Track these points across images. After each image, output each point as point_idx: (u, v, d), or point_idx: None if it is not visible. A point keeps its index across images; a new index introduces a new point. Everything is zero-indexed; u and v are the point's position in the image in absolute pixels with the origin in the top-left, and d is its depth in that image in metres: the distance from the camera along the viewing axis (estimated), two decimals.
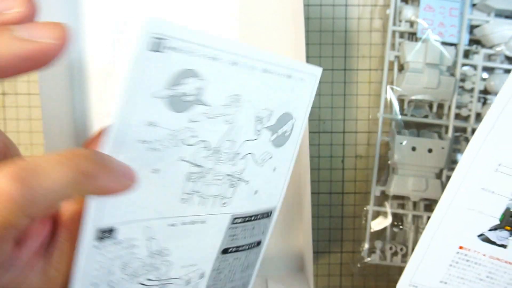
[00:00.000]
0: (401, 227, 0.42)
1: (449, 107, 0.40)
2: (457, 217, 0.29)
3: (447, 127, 0.40)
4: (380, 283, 0.44)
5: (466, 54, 0.40)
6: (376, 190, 0.41)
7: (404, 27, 0.40)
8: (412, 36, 0.41)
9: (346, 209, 0.44)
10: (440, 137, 0.40)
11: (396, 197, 0.41)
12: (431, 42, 0.39)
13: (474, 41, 0.40)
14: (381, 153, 0.41)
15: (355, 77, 0.43)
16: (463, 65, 0.40)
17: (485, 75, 0.40)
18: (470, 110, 0.40)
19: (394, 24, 0.40)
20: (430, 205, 0.41)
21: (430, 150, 0.39)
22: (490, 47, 0.40)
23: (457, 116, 0.40)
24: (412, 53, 0.39)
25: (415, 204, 0.41)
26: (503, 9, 0.39)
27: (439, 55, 0.39)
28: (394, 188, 0.39)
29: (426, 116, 0.41)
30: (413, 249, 0.41)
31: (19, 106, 0.43)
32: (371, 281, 0.44)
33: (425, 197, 0.40)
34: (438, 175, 0.40)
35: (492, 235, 0.29)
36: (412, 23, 0.40)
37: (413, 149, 0.39)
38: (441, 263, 0.31)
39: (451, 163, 0.40)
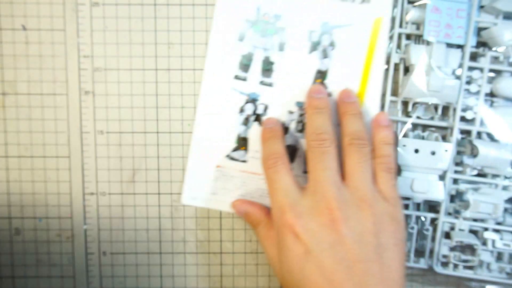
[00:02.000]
0: None
1: (454, 110, 0.40)
2: (208, 145, 0.42)
3: (451, 129, 0.40)
4: None
5: (473, 57, 0.40)
6: None
7: (410, 29, 0.40)
8: (419, 38, 0.40)
9: None
10: (445, 139, 0.40)
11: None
12: (436, 44, 0.39)
13: (481, 43, 0.40)
14: None
15: None
16: (470, 67, 0.39)
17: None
18: (475, 113, 0.40)
19: (401, 26, 0.40)
20: (434, 206, 0.41)
21: (433, 153, 0.39)
22: (497, 50, 0.39)
23: (462, 118, 0.40)
24: (417, 55, 0.39)
25: (418, 205, 0.41)
26: (511, 11, 0.38)
27: (444, 57, 0.39)
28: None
29: (431, 118, 0.40)
30: (416, 249, 0.41)
31: (19, 106, 0.42)
32: None
33: (428, 198, 0.39)
34: (442, 177, 0.40)
35: (235, 155, 0.42)
36: (418, 25, 0.40)
37: (416, 151, 0.39)
38: (207, 179, 0.42)
39: (456, 165, 0.40)
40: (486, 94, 0.40)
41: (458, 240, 0.39)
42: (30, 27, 0.41)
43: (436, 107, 0.40)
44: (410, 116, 0.40)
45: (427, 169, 0.39)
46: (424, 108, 0.41)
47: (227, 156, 0.42)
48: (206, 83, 0.42)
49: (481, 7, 0.39)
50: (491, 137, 0.40)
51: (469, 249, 0.40)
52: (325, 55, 0.41)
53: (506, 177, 0.40)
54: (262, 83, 0.41)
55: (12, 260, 0.44)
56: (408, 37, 0.41)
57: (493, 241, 0.40)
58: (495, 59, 0.40)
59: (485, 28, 0.39)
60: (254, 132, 0.42)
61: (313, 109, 0.38)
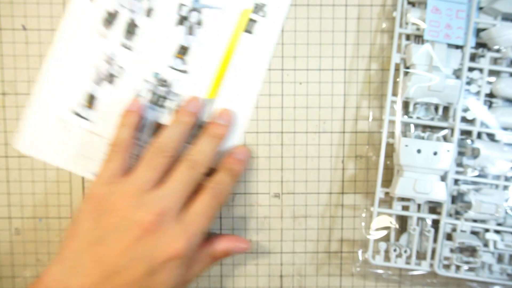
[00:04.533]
0: (394, 226, 0.42)
1: (455, 110, 0.40)
2: (55, 94, 0.41)
3: (452, 130, 0.40)
4: (380, 283, 0.44)
5: (473, 57, 0.40)
6: (380, 192, 0.41)
7: (411, 29, 0.40)
8: (419, 38, 0.40)
9: (346, 209, 0.43)
10: (446, 139, 0.40)
11: (400, 198, 0.41)
12: (437, 45, 0.39)
13: (480, 44, 0.40)
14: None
15: (355, 77, 0.43)
16: (470, 68, 0.40)
17: (491, 78, 0.40)
18: (475, 113, 0.40)
19: (401, 26, 0.40)
20: (434, 207, 0.41)
21: (435, 153, 0.39)
22: (497, 51, 0.40)
23: (463, 119, 0.40)
24: (418, 55, 0.39)
25: (419, 206, 0.41)
26: (510, 12, 0.38)
27: (445, 57, 0.39)
28: (399, 190, 0.39)
29: (432, 119, 0.41)
30: (417, 251, 0.41)
31: (19, 106, 0.42)
32: (371, 281, 0.44)
33: (430, 199, 0.39)
34: (443, 177, 0.40)
35: (81, 112, 0.41)
36: (418, 26, 0.40)
37: (418, 151, 0.39)
38: (48, 130, 0.41)
39: (457, 166, 0.40)
40: (486, 95, 0.40)
41: (460, 242, 0.39)
42: (30, 27, 0.41)
43: (436, 108, 0.41)
44: (410, 117, 0.41)
45: (429, 170, 0.39)
46: (425, 108, 0.41)
47: (73, 111, 0.41)
48: (64, 30, 0.40)
49: (480, 8, 0.39)
50: (491, 137, 0.40)
51: (470, 250, 0.40)
52: (190, 31, 0.41)
53: (506, 178, 0.40)
54: (122, 45, 0.41)
55: (12, 260, 0.44)
56: (408, 37, 0.41)
57: (495, 242, 0.40)
58: (495, 60, 0.40)
59: (483, 29, 0.39)
60: (105, 93, 0.41)
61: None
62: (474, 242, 0.39)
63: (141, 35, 0.41)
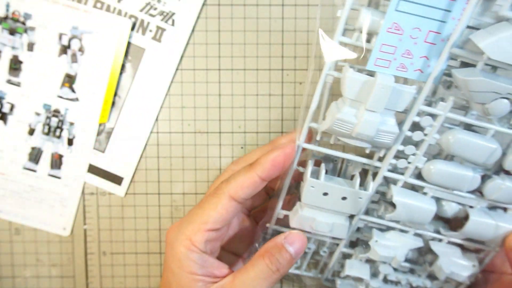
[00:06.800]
0: None
1: (384, 155, 0.32)
2: None
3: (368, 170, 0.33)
4: None
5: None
6: (280, 214, 0.36)
7: (356, 39, 0.29)
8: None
9: None
10: (362, 182, 0.33)
11: None
12: (381, 76, 0.28)
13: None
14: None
15: None
16: (421, 113, 0.30)
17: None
18: (409, 163, 0.32)
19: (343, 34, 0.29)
20: None
21: (344, 198, 0.33)
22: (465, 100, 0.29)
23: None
24: (353, 87, 0.28)
25: None
26: (499, 60, 0.26)
27: (392, 96, 0.28)
28: (295, 223, 0.35)
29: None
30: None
31: None
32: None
33: (330, 235, 0.35)
34: (349, 217, 0.35)
35: None
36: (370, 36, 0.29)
37: (325, 194, 0.33)
38: None
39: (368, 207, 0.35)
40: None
41: (348, 275, 0.37)
42: None
43: None
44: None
45: (334, 212, 0.34)
46: None
47: None
48: None
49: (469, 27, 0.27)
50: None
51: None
52: (74, 59, 0.41)
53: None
54: (9, 81, 0.41)
55: (12, 260, 0.44)
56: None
57: (386, 275, 0.37)
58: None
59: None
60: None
61: None
62: (364, 275, 0.36)
63: (26, 69, 0.41)
